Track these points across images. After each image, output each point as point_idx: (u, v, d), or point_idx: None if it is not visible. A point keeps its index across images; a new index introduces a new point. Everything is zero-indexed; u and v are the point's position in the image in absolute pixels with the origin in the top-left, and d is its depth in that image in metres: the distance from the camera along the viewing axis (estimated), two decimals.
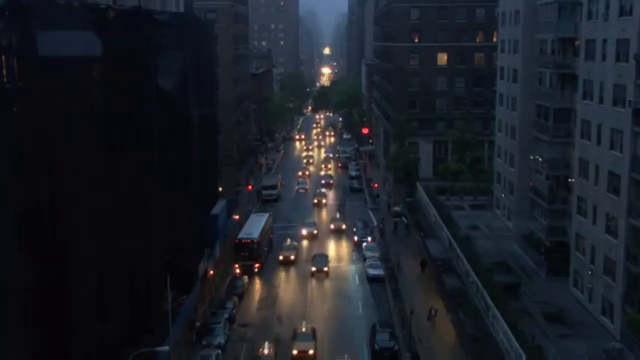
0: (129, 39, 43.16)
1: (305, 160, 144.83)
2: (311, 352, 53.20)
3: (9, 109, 35.57)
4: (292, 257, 77.35)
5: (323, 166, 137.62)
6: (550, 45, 66.57)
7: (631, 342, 49.27)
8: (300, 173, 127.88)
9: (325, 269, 72.92)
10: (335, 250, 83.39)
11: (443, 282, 65.38)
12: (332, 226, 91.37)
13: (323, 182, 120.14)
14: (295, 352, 53.25)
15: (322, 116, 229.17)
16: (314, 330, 56.09)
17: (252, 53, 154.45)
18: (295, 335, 55.05)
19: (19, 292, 35.77)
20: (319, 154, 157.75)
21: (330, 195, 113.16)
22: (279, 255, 77.85)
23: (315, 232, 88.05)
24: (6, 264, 34.53)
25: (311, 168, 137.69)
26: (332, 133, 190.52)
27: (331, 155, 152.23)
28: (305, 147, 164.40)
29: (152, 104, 47.20)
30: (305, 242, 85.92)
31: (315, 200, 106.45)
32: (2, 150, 34.73)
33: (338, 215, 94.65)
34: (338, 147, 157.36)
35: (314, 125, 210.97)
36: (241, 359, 54.01)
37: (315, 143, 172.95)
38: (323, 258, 75.00)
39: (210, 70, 70.66)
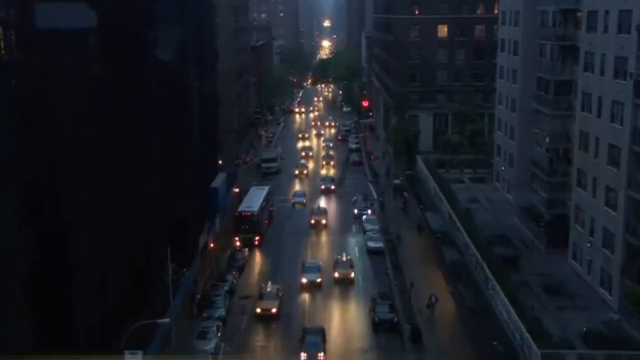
0: (127, 11, 42.86)
1: (303, 154, 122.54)
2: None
3: (8, 82, 35.47)
4: (274, 310, 56.19)
5: (324, 163, 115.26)
6: (552, 17, 66.11)
7: (629, 313, 49.62)
8: (297, 171, 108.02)
9: (321, 355, 48.86)
10: (341, 318, 57.80)
11: (443, 254, 65.58)
12: (336, 274, 63.68)
13: (323, 187, 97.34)
14: None
15: (320, 98, 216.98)
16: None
17: (252, 25, 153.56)
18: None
19: (20, 265, 35.91)
20: (318, 143, 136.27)
21: (332, 209, 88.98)
22: (256, 307, 56.53)
23: (319, 280, 62.60)
24: (7, 238, 34.63)
25: (310, 164, 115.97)
26: (333, 124, 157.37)
27: (331, 144, 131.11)
28: (302, 136, 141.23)
29: (151, 76, 47.01)
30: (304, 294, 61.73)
31: (313, 221, 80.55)
32: (2, 124, 34.66)
33: (345, 258, 65.73)
34: (338, 122, 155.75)
35: (311, 109, 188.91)
36: (242, 331, 54.29)
37: (314, 131, 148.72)
38: (317, 336, 50.27)
39: (209, 43, 70.29)
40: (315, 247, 74.23)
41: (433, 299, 55.88)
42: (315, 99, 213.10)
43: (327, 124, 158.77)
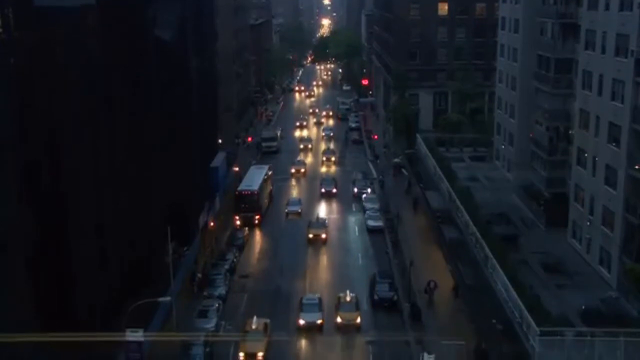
0: None
1: (301, 146, 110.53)
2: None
3: (6, 60, 35.32)
4: (261, 354, 45.83)
5: (324, 159, 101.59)
6: None
7: (627, 291, 49.81)
8: (293, 169, 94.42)
9: None
10: None
11: (442, 233, 65.70)
12: (338, 319, 50.98)
13: (323, 190, 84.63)
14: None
15: (320, 82, 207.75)
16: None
17: (251, 3, 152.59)
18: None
19: (21, 245, 35.98)
20: (318, 134, 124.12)
21: (334, 217, 77.21)
22: (239, 349, 46.31)
23: (319, 321, 50.74)
24: (7, 216, 34.66)
25: (309, 158, 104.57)
26: (331, 113, 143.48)
27: (332, 134, 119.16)
28: (299, 124, 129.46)
29: (150, 55, 46.88)
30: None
31: (311, 235, 68.57)
32: (1, 102, 34.59)
33: (349, 297, 52.40)
34: (337, 99, 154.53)
35: (308, 94, 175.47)
36: (242, 309, 54.51)
37: (313, 119, 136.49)
38: None
39: (209, 21, 69.99)
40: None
41: (432, 284, 54.28)
42: (314, 82, 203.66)
43: (324, 113, 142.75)
